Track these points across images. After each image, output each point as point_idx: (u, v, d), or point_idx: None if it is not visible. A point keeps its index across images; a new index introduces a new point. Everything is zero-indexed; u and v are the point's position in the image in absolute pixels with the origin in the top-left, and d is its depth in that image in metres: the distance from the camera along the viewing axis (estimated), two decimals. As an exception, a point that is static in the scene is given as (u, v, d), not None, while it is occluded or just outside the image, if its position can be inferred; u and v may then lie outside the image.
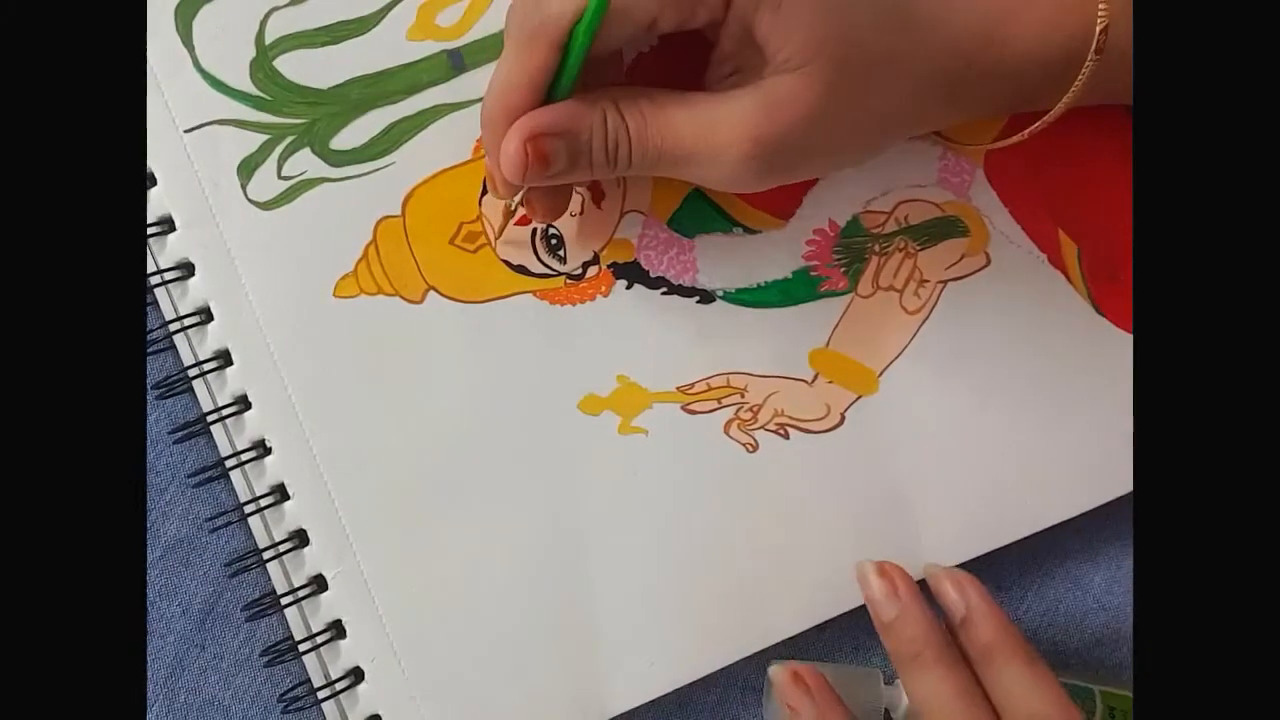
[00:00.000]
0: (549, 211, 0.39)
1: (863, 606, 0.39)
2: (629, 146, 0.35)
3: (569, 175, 0.36)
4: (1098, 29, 0.36)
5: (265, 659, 0.40)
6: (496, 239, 0.40)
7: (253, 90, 0.39)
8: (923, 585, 0.38)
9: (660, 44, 0.39)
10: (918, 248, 0.42)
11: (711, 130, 0.34)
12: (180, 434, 0.40)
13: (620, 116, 0.35)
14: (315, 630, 0.39)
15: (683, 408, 0.41)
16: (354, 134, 0.40)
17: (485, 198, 0.40)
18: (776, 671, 0.38)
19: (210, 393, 0.39)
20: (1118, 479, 0.42)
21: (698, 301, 0.41)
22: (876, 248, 0.42)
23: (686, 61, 0.37)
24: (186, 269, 0.39)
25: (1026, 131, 0.39)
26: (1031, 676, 0.36)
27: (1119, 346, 0.42)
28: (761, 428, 0.41)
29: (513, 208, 0.39)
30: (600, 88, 0.35)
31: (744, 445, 0.41)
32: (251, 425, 0.39)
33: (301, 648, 0.39)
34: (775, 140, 0.34)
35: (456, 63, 0.40)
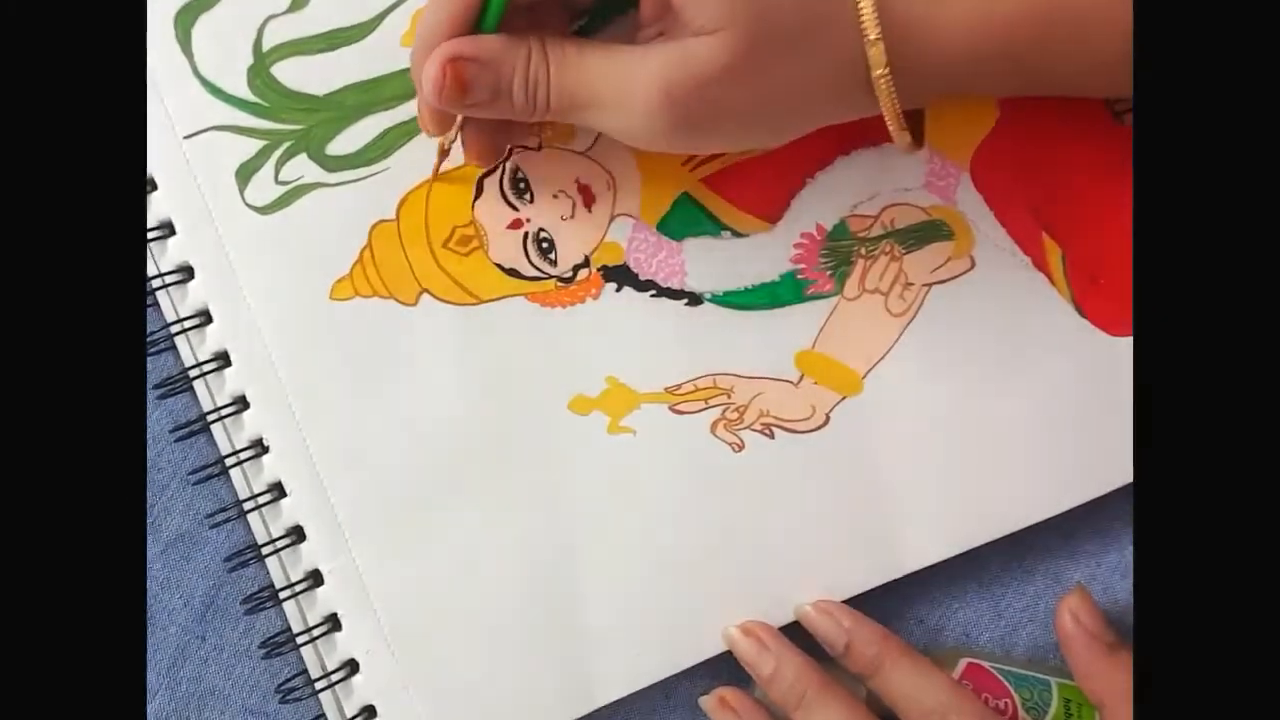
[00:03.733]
0: (480, 152, 0.40)
1: (847, 602, 0.41)
2: (546, 87, 0.36)
3: (489, 108, 0.36)
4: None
5: (264, 650, 0.41)
6: (432, 179, 0.41)
7: (250, 97, 0.40)
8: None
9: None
10: (903, 251, 0.42)
11: (627, 78, 0.35)
12: (181, 432, 0.41)
13: (544, 56, 0.36)
14: (312, 623, 0.40)
15: (670, 408, 0.41)
16: (350, 140, 0.41)
17: (478, 202, 0.41)
18: (705, 701, 0.41)
19: (210, 392, 0.40)
20: (1099, 478, 0.42)
21: (686, 304, 0.42)
22: (863, 251, 0.42)
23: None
24: (186, 272, 0.40)
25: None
26: (920, 673, 0.39)
27: (1102, 349, 0.43)
28: (747, 428, 0.42)
29: (446, 146, 0.39)
30: (531, 31, 0.36)
31: (730, 445, 0.42)
32: (250, 424, 0.40)
33: (299, 640, 0.40)
34: (685, 93, 0.34)
35: (450, 69, 0.41)
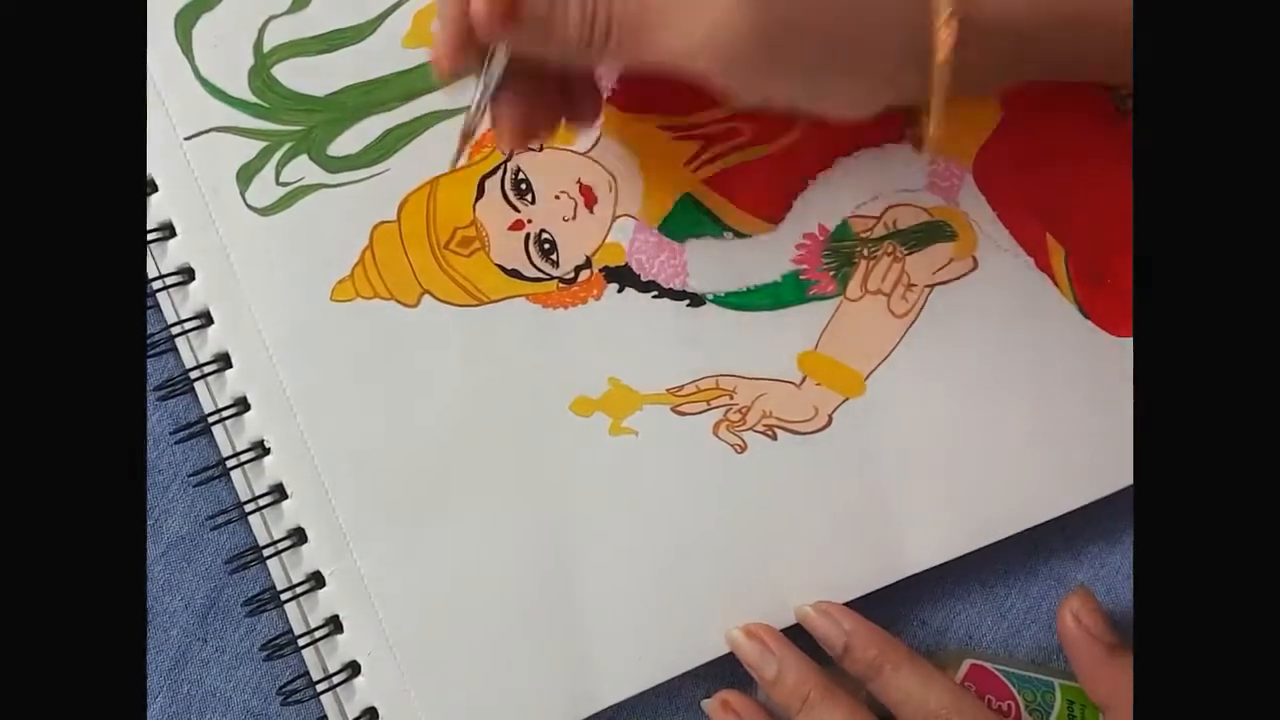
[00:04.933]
0: (513, 129, 0.36)
1: (850, 603, 0.41)
2: (612, 2, 0.32)
3: (544, 41, 0.32)
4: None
5: (265, 652, 0.41)
6: (451, 168, 0.38)
7: (251, 98, 0.40)
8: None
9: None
10: (906, 252, 0.42)
11: None
12: (182, 434, 0.41)
13: None
14: (313, 625, 0.40)
15: (672, 409, 0.41)
16: (350, 140, 0.41)
17: (480, 203, 0.41)
18: (707, 704, 0.41)
19: (211, 394, 0.40)
20: (1102, 479, 0.42)
21: (688, 305, 0.42)
22: (865, 252, 0.42)
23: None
24: (187, 274, 0.40)
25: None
26: (920, 676, 0.39)
27: (1104, 349, 0.42)
28: (750, 429, 0.42)
29: (471, 126, 0.35)
30: None
31: (732, 446, 0.41)
32: (251, 426, 0.40)
33: (300, 642, 0.40)
34: None
35: (452, 69, 0.41)
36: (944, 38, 0.33)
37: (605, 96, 0.40)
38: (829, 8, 0.32)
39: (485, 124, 0.36)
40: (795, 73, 0.34)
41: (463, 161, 0.40)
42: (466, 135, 0.36)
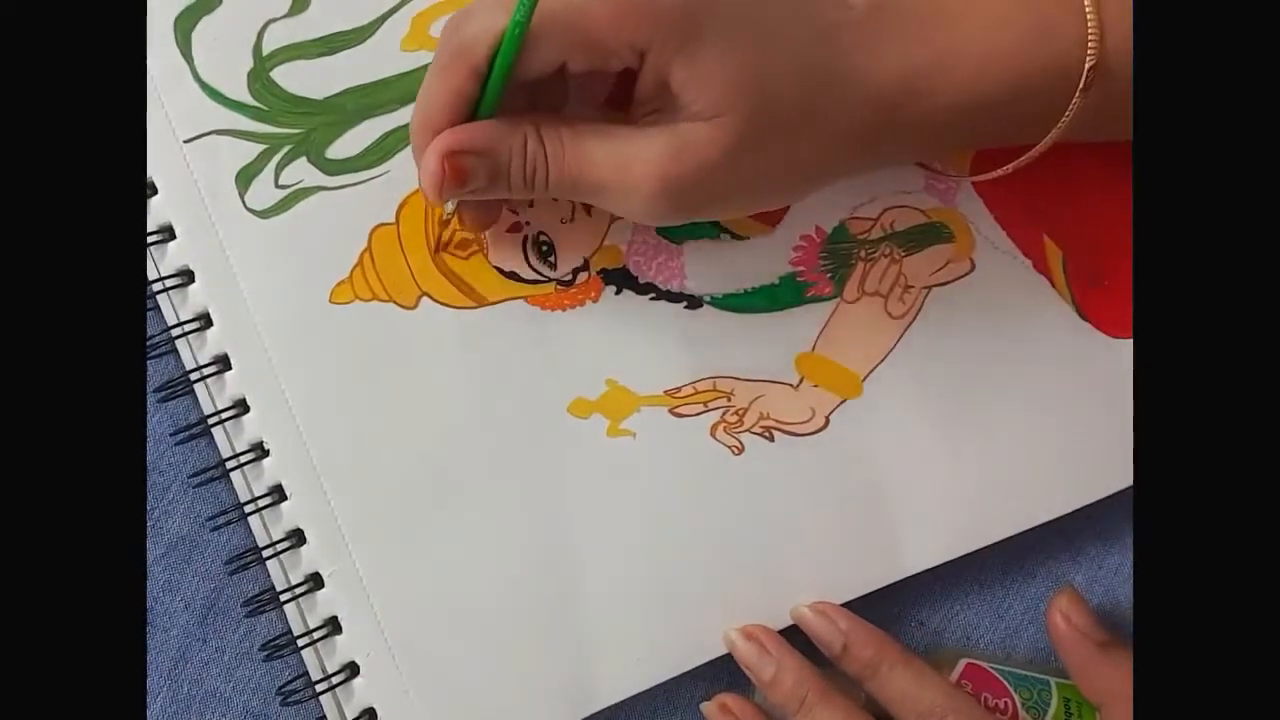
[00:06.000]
0: (476, 222, 0.40)
1: (848, 604, 0.41)
2: (545, 172, 0.36)
3: (488, 192, 0.36)
4: (1087, 65, 0.36)
5: (264, 653, 0.41)
6: (434, 251, 0.41)
7: (250, 101, 0.40)
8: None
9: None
10: (903, 254, 0.42)
11: (623, 166, 0.35)
12: (182, 435, 0.41)
13: (540, 142, 0.35)
14: (312, 626, 0.40)
15: (670, 411, 0.41)
16: (349, 143, 0.41)
17: (478, 205, 0.41)
18: (705, 707, 0.41)
19: (210, 396, 0.41)
20: (1100, 481, 0.42)
21: (685, 307, 0.42)
22: (862, 253, 0.42)
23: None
24: (187, 276, 0.40)
25: (1011, 166, 0.39)
26: (916, 675, 0.39)
27: (1102, 351, 0.43)
28: (747, 430, 0.42)
29: (446, 217, 0.40)
30: (528, 111, 0.36)
31: (730, 448, 0.42)
32: (250, 428, 0.40)
33: (299, 643, 0.40)
34: (681, 181, 0.35)
35: (450, 72, 0.41)
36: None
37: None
38: (748, 170, 0.35)
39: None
40: (726, 214, 0.41)
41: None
42: (443, 223, 0.40)
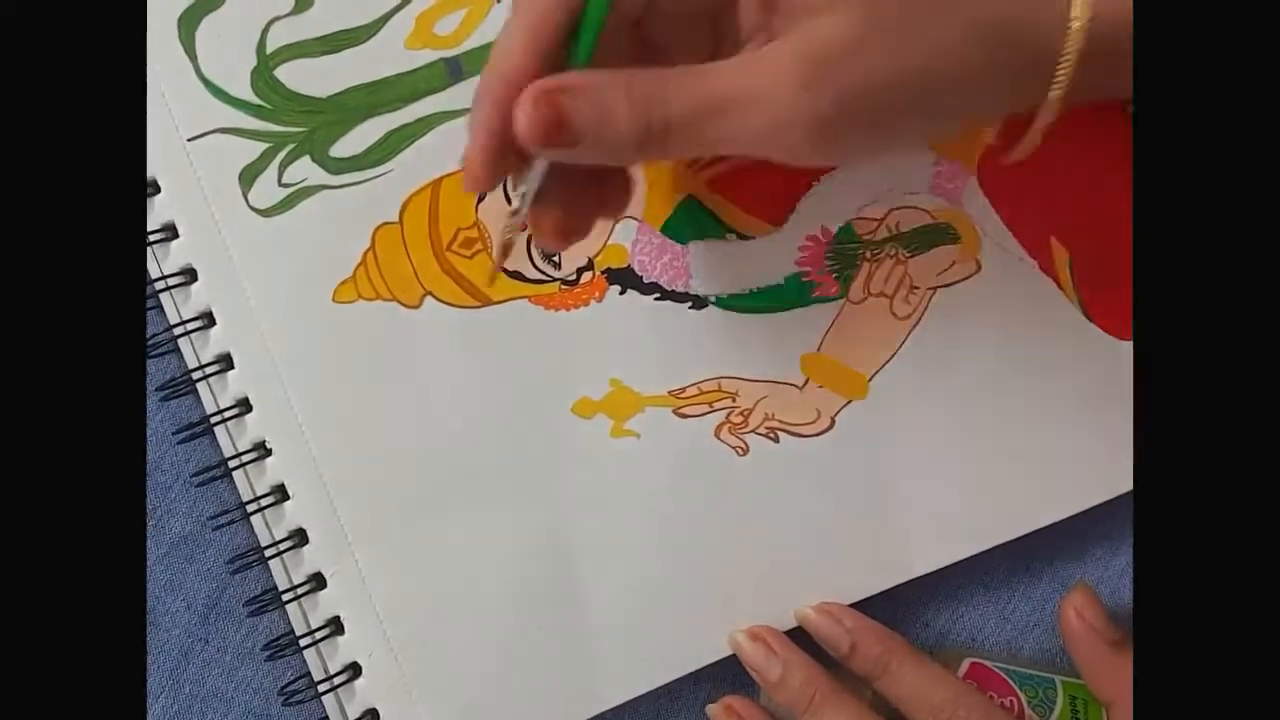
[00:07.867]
0: (558, 230, 0.34)
1: (853, 606, 0.41)
2: (665, 101, 0.30)
3: (594, 145, 0.30)
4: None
5: (266, 653, 0.41)
6: (495, 271, 0.37)
7: (254, 99, 0.40)
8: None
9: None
10: (909, 254, 0.42)
11: (757, 73, 0.30)
12: (184, 435, 0.41)
13: (651, 74, 0.30)
14: (314, 626, 0.40)
15: (674, 411, 0.41)
16: (353, 142, 0.40)
17: (483, 205, 0.41)
18: (712, 709, 0.41)
19: (213, 395, 0.40)
20: (1106, 483, 0.42)
21: (690, 307, 0.41)
22: (868, 254, 0.42)
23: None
24: (189, 274, 0.40)
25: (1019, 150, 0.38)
26: (925, 672, 0.39)
27: (1109, 352, 0.42)
28: (752, 431, 0.41)
29: (508, 237, 0.34)
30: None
31: (734, 448, 0.41)
32: (253, 427, 0.40)
33: (301, 643, 0.40)
34: (827, 69, 0.30)
35: (454, 71, 0.41)
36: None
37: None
38: (888, 56, 0.31)
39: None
40: (859, 150, 0.34)
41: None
42: (506, 247, 0.34)
